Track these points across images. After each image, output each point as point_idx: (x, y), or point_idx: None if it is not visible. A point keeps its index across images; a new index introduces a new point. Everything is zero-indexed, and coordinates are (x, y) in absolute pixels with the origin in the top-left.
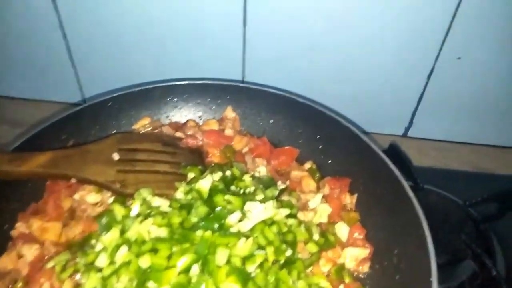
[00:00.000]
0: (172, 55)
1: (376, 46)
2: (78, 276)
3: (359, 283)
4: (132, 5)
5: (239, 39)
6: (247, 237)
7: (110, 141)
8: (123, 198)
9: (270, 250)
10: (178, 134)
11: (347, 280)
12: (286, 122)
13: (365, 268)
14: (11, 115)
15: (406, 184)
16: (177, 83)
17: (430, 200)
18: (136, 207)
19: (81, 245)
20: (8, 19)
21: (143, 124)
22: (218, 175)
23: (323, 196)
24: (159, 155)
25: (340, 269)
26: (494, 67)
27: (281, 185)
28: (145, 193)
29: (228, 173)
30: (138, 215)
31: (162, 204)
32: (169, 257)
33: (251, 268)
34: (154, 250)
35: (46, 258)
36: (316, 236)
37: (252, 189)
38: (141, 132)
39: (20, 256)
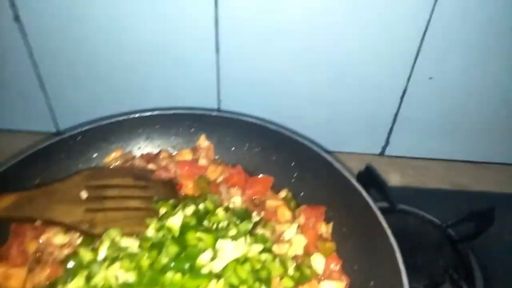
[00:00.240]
0: (147, 83)
1: (349, 69)
2: None
3: None
4: (105, 34)
5: (212, 66)
6: (219, 277)
7: (78, 178)
8: (92, 238)
9: None
10: (151, 166)
11: None
12: (260, 150)
13: None
14: None
15: (379, 213)
16: (148, 113)
17: (408, 221)
18: (103, 250)
19: None
20: None
21: (114, 157)
22: (191, 209)
23: (299, 226)
24: (130, 190)
25: None
26: (465, 86)
27: (255, 217)
28: (114, 233)
29: (201, 206)
30: (105, 259)
31: (131, 244)
32: None
33: None
34: None
35: None
36: (291, 270)
37: (225, 223)
38: (111, 167)
39: None
